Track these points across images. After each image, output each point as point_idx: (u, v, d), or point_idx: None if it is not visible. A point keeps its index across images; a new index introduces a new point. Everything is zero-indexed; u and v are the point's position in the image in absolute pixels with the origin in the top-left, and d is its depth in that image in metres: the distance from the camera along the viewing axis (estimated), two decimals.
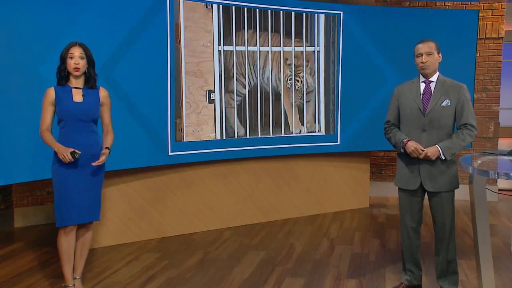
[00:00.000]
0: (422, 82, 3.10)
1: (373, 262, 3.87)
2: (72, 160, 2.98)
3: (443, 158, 2.97)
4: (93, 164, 3.05)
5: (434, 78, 3.07)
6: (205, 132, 4.59)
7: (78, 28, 3.73)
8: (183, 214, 4.69)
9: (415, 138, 3.05)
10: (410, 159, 3.08)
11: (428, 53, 3.01)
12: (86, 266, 3.66)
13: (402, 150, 3.07)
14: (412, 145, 3.00)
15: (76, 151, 2.99)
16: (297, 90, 5.05)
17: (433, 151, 2.96)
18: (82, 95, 3.07)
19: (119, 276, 3.60)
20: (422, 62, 3.02)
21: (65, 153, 2.96)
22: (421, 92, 3.07)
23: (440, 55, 3.07)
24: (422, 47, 3.03)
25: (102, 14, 3.89)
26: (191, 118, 4.49)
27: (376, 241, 4.44)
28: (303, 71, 5.07)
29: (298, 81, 5.05)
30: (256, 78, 4.85)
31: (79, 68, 3.03)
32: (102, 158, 3.09)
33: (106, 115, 3.22)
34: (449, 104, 3.01)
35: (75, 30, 3.67)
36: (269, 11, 4.84)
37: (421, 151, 2.97)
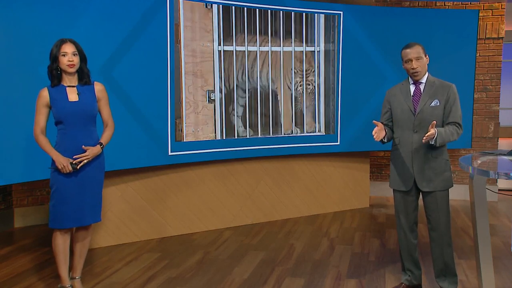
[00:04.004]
0: (411, 84, 3.13)
1: (373, 262, 3.87)
2: (72, 171, 2.96)
3: (433, 142, 2.93)
4: (74, 156, 2.97)
5: (423, 79, 3.10)
6: (205, 132, 4.59)
7: (78, 28, 3.73)
8: (183, 214, 4.69)
9: (407, 139, 3.08)
10: (403, 160, 3.10)
11: (417, 58, 3.02)
12: (86, 266, 3.66)
13: (384, 141, 3.10)
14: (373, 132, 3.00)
15: (75, 161, 2.96)
16: (309, 93, 5.06)
17: (433, 132, 2.88)
18: (78, 93, 3.01)
19: (119, 276, 3.60)
20: (413, 68, 3.03)
21: (65, 163, 2.93)
22: (411, 93, 3.10)
23: (427, 56, 3.08)
24: (410, 53, 3.03)
25: (102, 14, 3.89)
26: (191, 118, 4.49)
27: (376, 241, 4.44)
28: (311, 73, 5.08)
29: (309, 85, 5.06)
30: (256, 78, 4.85)
31: (74, 65, 2.96)
32: (87, 152, 2.99)
33: (104, 109, 3.15)
34: (438, 104, 3.04)
35: (75, 30, 3.67)
36: (269, 11, 4.84)
37: (374, 134, 2.96)
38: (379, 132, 2.99)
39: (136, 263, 3.87)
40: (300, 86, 5.08)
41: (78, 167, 2.98)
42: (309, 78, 5.12)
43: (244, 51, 4.76)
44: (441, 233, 3.09)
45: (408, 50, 3.04)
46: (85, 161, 3.00)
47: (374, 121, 3.04)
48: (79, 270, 3.22)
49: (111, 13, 3.93)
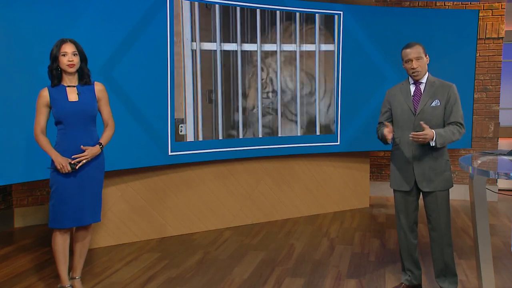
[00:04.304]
0: (412, 84, 3.13)
1: (373, 262, 3.87)
2: (71, 171, 2.96)
3: (433, 144, 2.94)
4: (73, 156, 2.97)
5: (423, 79, 3.10)
6: (205, 132, 4.59)
7: (78, 28, 3.73)
8: (183, 214, 4.69)
9: (407, 139, 3.06)
10: (404, 161, 3.10)
11: (418, 58, 3.02)
12: (86, 266, 3.66)
13: (389, 142, 3.08)
14: (384, 132, 3.02)
15: (74, 161, 2.96)
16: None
17: (430, 133, 2.90)
18: (77, 93, 3.01)
19: (119, 276, 3.60)
20: (413, 68, 3.03)
21: (64, 163, 2.93)
22: (412, 93, 3.10)
23: (427, 56, 3.08)
24: (410, 53, 3.03)
25: (102, 14, 3.89)
26: (191, 118, 4.49)
27: (376, 241, 4.44)
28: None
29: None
30: (256, 78, 4.85)
31: (74, 65, 2.97)
32: (86, 152, 2.99)
33: (104, 109, 3.15)
34: (439, 104, 3.04)
35: (75, 30, 3.67)
36: (269, 11, 4.83)
37: (388, 135, 2.98)
38: (390, 134, 3.01)
39: (136, 263, 3.87)
40: (299, 85, 5.08)
41: (77, 167, 2.98)
42: (309, 78, 5.12)
43: (245, 50, 4.76)
44: (442, 233, 3.09)
45: (408, 50, 3.04)
46: (84, 161, 3.01)
47: (385, 122, 3.04)
48: (79, 270, 3.22)
49: (111, 13, 3.93)
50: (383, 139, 3.12)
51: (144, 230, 4.50)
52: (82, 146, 3.00)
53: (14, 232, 4.84)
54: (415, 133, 2.91)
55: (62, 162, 2.94)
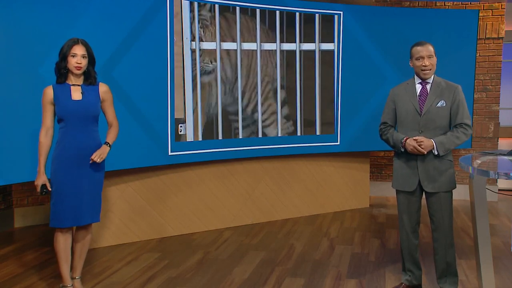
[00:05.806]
0: (418, 83, 3.12)
1: (373, 262, 3.87)
2: (38, 191, 3.00)
3: (436, 153, 2.98)
4: (91, 158, 2.99)
5: (430, 79, 3.09)
6: (205, 132, 4.59)
7: (78, 28, 3.72)
8: (183, 214, 4.69)
9: None
10: (408, 161, 3.09)
11: (429, 56, 3.02)
12: (86, 266, 3.66)
13: (402, 150, 3.08)
14: (410, 143, 3.01)
15: (48, 187, 3.00)
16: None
17: (427, 144, 2.97)
18: (81, 93, 3.02)
19: (119, 276, 3.60)
20: (425, 65, 3.02)
21: (39, 183, 2.99)
22: (418, 93, 3.09)
23: (435, 56, 3.09)
24: (422, 50, 3.02)
25: (102, 14, 3.89)
26: (191, 118, 4.49)
27: (376, 241, 4.44)
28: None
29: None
30: (256, 77, 4.85)
31: (81, 67, 2.99)
32: (97, 153, 3.01)
33: (108, 110, 3.17)
34: (444, 105, 3.03)
35: (75, 30, 3.66)
36: (269, 11, 4.83)
37: (421, 149, 2.97)
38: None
39: (136, 263, 3.87)
40: (299, 85, 5.08)
41: (43, 194, 3.02)
42: (308, 78, 5.12)
43: (245, 50, 4.76)
44: (444, 233, 3.08)
45: (419, 48, 3.04)
46: (98, 160, 3.02)
47: (417, 137, 3.03)
48: (79, 270, 3.22)
49: (111, 13, 3.93)
50: (397, 145, 3.10)
51: (144, 230, 4.50)
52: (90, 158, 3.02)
53: (14, 232, 4.84)
54: (412, 148, 2.98)
55: (39, 182, 2.99)
